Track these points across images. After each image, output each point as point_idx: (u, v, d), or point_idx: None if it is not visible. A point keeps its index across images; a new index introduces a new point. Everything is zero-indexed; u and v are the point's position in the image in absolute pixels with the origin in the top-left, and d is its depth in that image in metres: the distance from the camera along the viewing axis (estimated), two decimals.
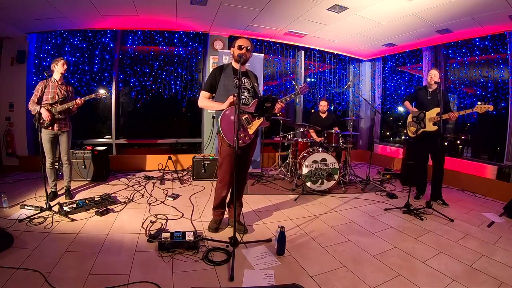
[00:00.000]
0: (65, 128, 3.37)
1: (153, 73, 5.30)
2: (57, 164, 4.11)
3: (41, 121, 3.15)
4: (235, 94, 2.20)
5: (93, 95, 3.40)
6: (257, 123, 2.43)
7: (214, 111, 2.58)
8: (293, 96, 2.59)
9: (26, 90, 4.65)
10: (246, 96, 2.46)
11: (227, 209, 2.75)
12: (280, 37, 5.50)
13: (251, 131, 2.42)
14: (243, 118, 2.37)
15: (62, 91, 3.30)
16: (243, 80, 2.47)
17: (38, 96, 3.17)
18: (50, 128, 3.24)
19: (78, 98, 3.32)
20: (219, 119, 2.35)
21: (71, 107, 3.30)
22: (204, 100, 2.51)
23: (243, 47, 2.42)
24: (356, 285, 1.88)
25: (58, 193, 3.51)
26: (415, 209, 3.22)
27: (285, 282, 1.87)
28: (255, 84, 2.57)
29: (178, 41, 5.41)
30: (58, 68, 3.25)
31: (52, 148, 3.34)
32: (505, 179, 4.03)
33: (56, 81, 3.29)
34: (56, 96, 3.24)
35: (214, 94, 2.51)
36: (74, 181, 3.92)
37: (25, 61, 4.59)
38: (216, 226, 2.63)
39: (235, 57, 2.41)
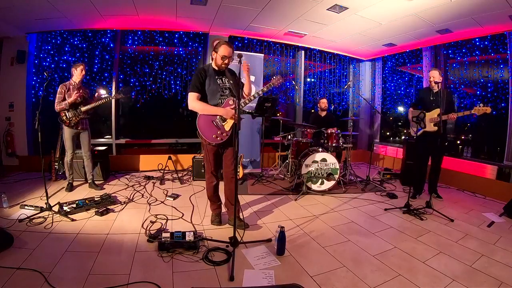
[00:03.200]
0: (86, 126, 3.66)
1: (153, 73, 5.29)
2: (56, 164, 4.14)
3: (67, 121, 3.44)
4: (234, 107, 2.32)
5: (111, 97, 3.81)
6: (231, 120, 2.47)
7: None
8: (269, 86, 2.65)
9: (26, 90, 4.66)
10: (227, 95, 2.52)
11: (226, 207, 2.77)
12: (280, 37, 5.50)
13: (227, 128, 2.48)
14: (216, 119, 2.45)
15: (82, 93, 3.53)
16: (223, 80, 2.54)
17: (62, 98, 3.42)
18: (74, 127, 3.51)
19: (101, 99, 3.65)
20: (197, 119, 2.45)
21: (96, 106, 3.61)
22: (194, 101, 2.42)
23: (227, 58, 2.45)
24: (356, 285, 1.88)
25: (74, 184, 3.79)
26: (415, 209, 3.22)
27: (285, 282, 1.87)
28: (233, 80, 2.54)
29: (178, 41, 5.41)
30: (77, 73, 3.49)
31: (73, 145, 3.62)
32: (505, 179, 4.03)
33: (76, 83, 3.51)
34: (78, 99, 3.47)
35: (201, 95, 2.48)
36: (75, 180, 3.91)
37: (25, 61, 4.58)
38: (219, 219, 2.74)
39: (218, 64, 2.47)
